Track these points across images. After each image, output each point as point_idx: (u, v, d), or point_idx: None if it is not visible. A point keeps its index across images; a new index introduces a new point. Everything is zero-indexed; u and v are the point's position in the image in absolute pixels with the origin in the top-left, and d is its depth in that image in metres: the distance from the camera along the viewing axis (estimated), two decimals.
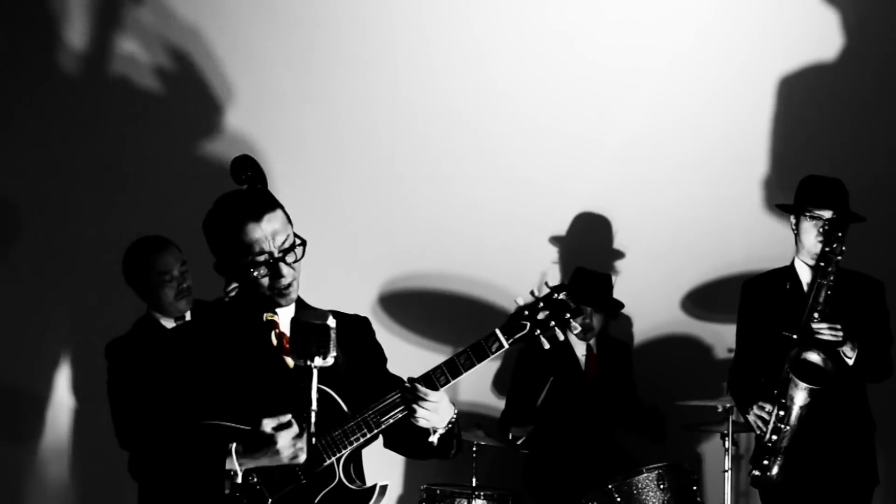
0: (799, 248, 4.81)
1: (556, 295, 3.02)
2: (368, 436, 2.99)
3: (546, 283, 3.06)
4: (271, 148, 5.75)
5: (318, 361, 2.78)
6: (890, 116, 5.78)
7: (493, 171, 5.88)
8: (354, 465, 3.07)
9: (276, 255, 3.00)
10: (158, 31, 5.83)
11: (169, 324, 4.48)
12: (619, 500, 4.93)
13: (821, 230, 4.66)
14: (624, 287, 5.71)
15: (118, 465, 5.14)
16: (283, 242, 3.02)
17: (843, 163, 5.49)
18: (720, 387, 5.18)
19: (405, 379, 3.04)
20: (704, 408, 5.12)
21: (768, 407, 4.60)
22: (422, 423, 3.00)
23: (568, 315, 3.01)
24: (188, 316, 4.54)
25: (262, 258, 3.00)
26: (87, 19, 5.82)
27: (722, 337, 5.80)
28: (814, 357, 4.55)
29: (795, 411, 4.55)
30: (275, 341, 3.07)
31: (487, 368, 5.93)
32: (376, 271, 5.87)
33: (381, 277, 5.88)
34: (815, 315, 4.57)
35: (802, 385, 4.51)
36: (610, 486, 4.97)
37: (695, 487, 5.06)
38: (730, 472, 5.03)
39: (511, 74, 5.88)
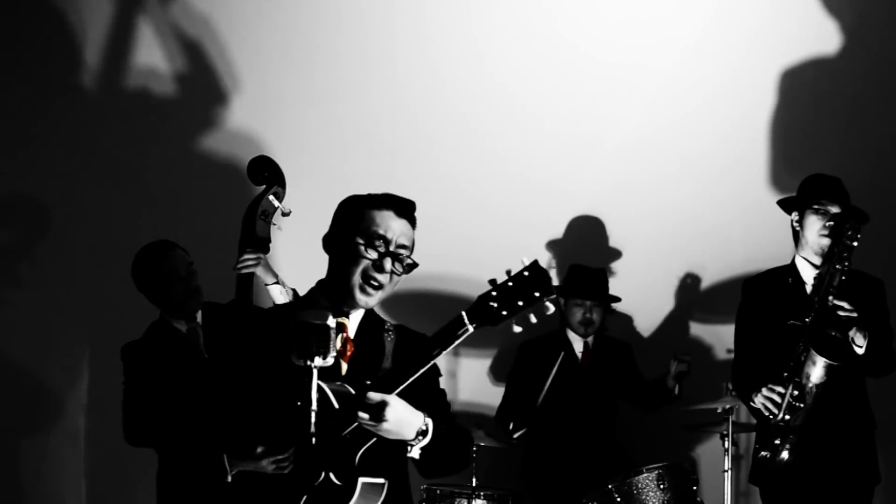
0: (801, 244, 4.80)
1: (525, 273, 2.86)
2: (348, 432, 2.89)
3: (523, 260, 2.88)
4: (272, 147, 5.75)
5: (318, 361, 2.77)
6: (890, 114, 5.78)
7: (494, 171, 5.88)
8: (365, 460, 2.95)
9: (391, 250, 3.03)
10: (169, 30, 5.85)
11: (181, 327, 4.55)
12: (619, 500, 4.93)
13: (826, 224, 4.66)
14: (624, 287, 5.70)
15: (126, 460, 5.21)
16: (401, 249, 3.05)
17: (844, 162, 5.49)
18: (720, 388, 5.17)
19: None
20: (704, 409, 5.12)
21: (780, 389, 4.58)
22: (370, 429, 2.88)
23: (538, 294, 2.82)
24: (199, 318, 4.63)
25: (378, 242, 3.02)
26: (103, 31, 5.85)
27: (721, 337, 5.80)
28: (832, 331, 4.54)
29: (812, 389, 4.54)
30: (339, 345, 3.01)
31: (485, 359, 5.92)
32: None
33: None
34: (830, 298, 4.57)
35: (821, 361, 4.49)
36: (610, 486, 4.97)
37: (694, 487, 5.06)
38: (729, 472, 5.03)
39: (512, 74, 5.88)
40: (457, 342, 2.90)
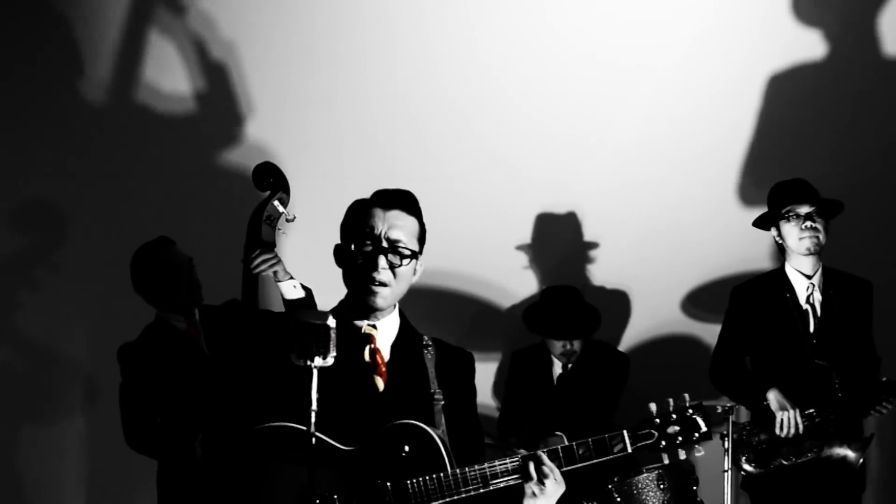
0: (788, 254, 4.81)
1: (690, 413, 2.94)
2: (472, 494, 2.80)
3: (685, 397, 3.01)
4: (272, 148, 5.76)
5: (318, 361, 2.73)
6: (883, 118, 5.79)
7: (493, 171, 5.89)
8: None
9: (382, 245, 2.88)
10: (178, 34, 5.85)
11: (181, 324, 4.54)
12: (619, 500, 4.93)
13: (803, 226, 4.66)
14: (623, 287, 5.70)
15: (126, 460, 5.20)
16: (396, 241, 2.89)
17: (836, 166, 5.52)
18: None
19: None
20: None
21: (802, 424, 4.67)
22: (528, 501, 2.82)
23: (696, 436, 2.92)
24: (197, 316, 4.64)
25: (365, 241, 2.88)
26: (116, 35, 5.83)
27: None
28: (843, 453, 4.62)
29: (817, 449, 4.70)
30: (367, 357, 2.93)
31: (488, 370, 5.91)
32: None
33: None
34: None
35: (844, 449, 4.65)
36: (610, 486, 4.96)
37: (694, 487, 5.06)
38: (729, 472, 5.03)
39: (511, 75, 5.89)
40: (611, 456, 2.89)
